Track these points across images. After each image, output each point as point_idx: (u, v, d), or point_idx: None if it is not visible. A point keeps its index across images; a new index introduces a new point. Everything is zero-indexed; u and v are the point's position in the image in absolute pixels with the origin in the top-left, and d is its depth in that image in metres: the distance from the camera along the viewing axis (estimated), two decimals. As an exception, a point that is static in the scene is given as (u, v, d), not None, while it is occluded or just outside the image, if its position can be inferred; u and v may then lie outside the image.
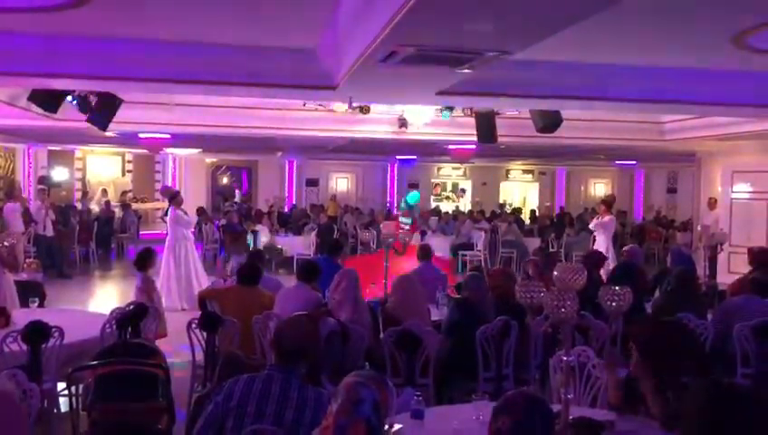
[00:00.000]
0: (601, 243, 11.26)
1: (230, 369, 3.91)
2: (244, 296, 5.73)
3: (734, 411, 2.10)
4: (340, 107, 9.56)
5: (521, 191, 25.94)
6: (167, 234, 10.48)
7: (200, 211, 15.89)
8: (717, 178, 12.94)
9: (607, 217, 11.58)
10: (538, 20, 3.67)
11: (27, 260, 8.79)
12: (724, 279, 9.89)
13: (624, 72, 6.22)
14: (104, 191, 18.71)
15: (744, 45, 5.26)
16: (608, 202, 12.34)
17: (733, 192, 12.40)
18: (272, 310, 5.46)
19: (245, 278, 5.89)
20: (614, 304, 3.24)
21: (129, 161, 21.09)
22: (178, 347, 6.29)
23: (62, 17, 4.96)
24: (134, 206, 18.50)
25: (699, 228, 12.13)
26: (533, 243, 15.12)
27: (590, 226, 12.18)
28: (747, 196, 12.16)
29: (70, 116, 9.02)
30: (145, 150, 18.07)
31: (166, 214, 10.98)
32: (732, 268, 11.05)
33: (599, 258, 7.36)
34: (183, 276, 10.02)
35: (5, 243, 6.30)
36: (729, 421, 2.09)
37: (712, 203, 12.96)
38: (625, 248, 8.11)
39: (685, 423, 2.25)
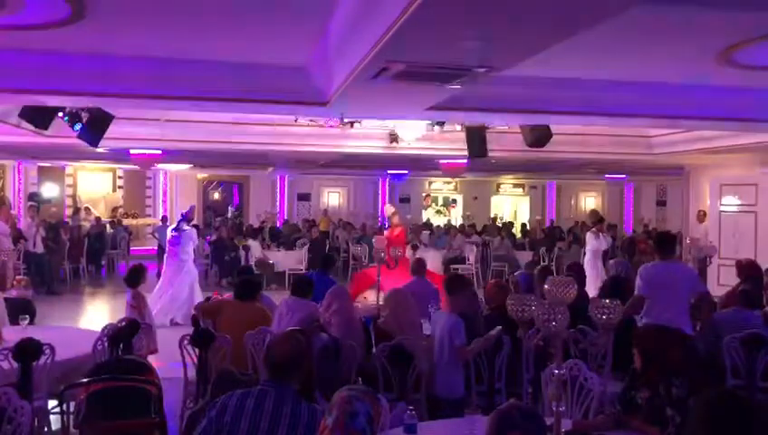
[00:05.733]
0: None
1: (224, 385, 3.90)
2: (240, 311, 5.72)
3: (739, 423, 2.11)
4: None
5: (511, 205, 26.02)
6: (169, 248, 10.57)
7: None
8: (706, 191, 13.03)
9: (592, 237, 11.93)
10: (526, 37, 3.72)
11: (17, 277, 8.73)
12: (714, 292, 9.92)
13: (612, 87, 6.29)
14: (87, 209, 18.42)
15: (730, 61, 5.35)
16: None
17: (721, 205, 12.49)
18: (267, 325, 5.45)
19: (242, 293, 5.89)
20: (604, 317, 3.27)
21: (120, 177, 21.03)
22: (170, 363, 6.27)
23: (53, 35, 4.98)
24: (125, 221, 18.41)
25: (688, 241, 12.22)
26: (525, 256, 15.16)
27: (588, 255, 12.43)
28: (735, 208, 12.26)
29: (60, 132, 9.01)
30: (136, 166, 18.02)
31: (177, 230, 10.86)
32: (721, 281, 11.11)
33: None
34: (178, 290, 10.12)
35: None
36: (733, 433, 2.11)
37: (701, 216, 13.04)
38: (611, 261, 8.14)
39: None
